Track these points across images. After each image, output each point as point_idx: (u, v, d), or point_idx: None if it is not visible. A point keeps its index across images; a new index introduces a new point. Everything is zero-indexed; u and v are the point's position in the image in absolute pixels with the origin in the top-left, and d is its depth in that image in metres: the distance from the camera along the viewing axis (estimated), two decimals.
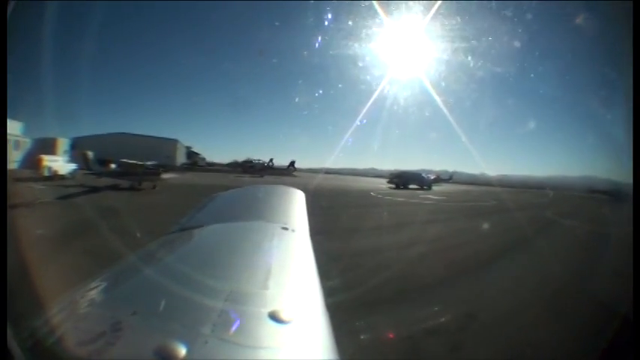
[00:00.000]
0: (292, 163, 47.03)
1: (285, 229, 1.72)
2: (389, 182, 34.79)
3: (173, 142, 49.15)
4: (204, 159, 53.91)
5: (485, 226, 13.06)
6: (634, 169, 2.00)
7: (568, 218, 17.43)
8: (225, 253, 1.36)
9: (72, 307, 0.85)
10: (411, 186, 33.56)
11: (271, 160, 44.58)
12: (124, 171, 17.47)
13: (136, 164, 17.91)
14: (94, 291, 0.97)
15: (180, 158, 49.77)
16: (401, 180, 34.25)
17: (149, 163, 19.08)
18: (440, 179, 47.53)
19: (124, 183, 16.60)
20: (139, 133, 46.31)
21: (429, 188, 34.93)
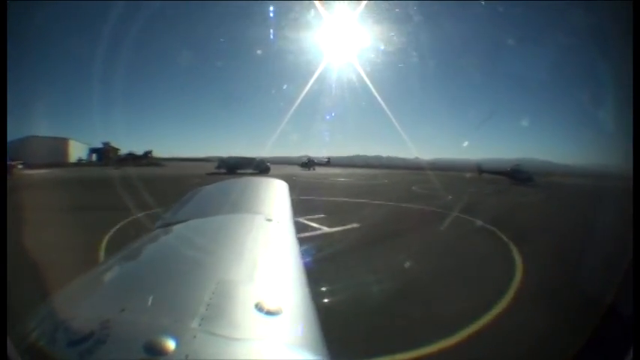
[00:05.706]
0: (147, 153, 52.49)
1: (269, 220, 1.73)
2: (216, 168, 35.29)
3: (64, 141, 52.53)
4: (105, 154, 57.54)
5: None
6: (634, 168, 1.87)
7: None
8: (210, 247, 1.35)
9: (61, 307, 0.83)
10: (242, 171, 32.75)
11: (146, 152, 52.14)
12: None
13: None
14: (82, 290, 0.98)
15: (76, 155, 53.83)
16: (226, 164, 35.06)
17: (14, 162, 23.33)
18: (314, 163, 55.44)
19: None
20: (48, 135, 50.57)
21: (266, 172, 34.01)
